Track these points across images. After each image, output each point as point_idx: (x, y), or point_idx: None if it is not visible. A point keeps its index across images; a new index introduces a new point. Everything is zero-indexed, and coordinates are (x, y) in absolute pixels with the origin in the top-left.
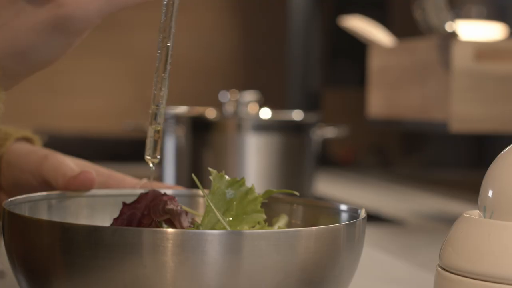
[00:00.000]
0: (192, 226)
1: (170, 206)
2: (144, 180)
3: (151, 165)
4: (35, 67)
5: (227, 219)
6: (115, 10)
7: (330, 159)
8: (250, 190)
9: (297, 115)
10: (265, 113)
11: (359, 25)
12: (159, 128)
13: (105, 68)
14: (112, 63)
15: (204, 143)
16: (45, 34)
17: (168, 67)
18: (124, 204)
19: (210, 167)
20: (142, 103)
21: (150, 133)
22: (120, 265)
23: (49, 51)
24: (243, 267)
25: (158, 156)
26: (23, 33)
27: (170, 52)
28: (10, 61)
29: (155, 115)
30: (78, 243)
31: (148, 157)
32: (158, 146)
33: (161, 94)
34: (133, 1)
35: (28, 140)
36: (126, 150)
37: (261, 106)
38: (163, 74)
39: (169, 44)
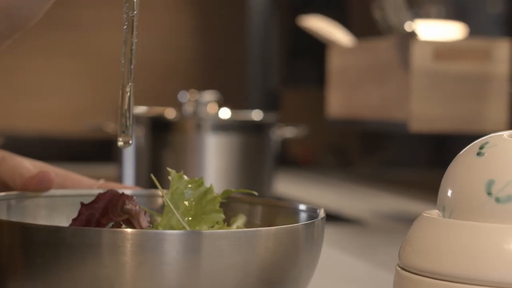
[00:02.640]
0: (151, 226)
1: (129, 206)
2: (102, 181)
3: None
4: (16, 27)
5: (186, 219)
6: None
7: (289, 159)
8: (209, 190)
9: (256, 115)
10: (225, 113)
11: (319, 25)
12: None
13: (65, 68)
14: (72, 63)
15: (163, 143)
16: None
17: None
18: (82, 204)
19: (169, 167)
20: (102, 103)
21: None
22: (80, 266)
23: (29, 5)
24: (203, 267)
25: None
26: None
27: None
28: None
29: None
30: (39, 244)
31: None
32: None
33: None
34: None
35: None
36: (86, 150)
37: (220, 106)
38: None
39: (135, 40)
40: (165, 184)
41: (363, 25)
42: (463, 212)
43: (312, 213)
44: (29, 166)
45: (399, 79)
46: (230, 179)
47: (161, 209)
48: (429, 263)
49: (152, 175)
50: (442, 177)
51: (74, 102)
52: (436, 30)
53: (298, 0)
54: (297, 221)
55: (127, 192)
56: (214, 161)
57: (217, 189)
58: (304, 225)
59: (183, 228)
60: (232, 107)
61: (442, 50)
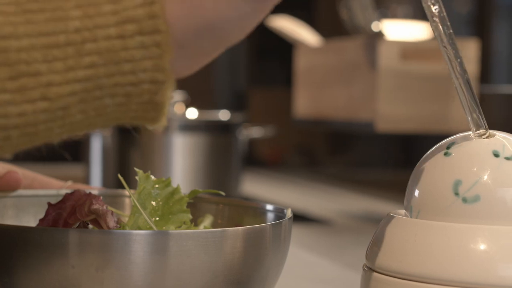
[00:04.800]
0: (118, 226)
1: (96, 206)
2: (69, 183)
3: None
4: (221, 43)
5: (153, 219)
6: None
7: (256, 159)
8: (176, 190)
9: (223, 115)
10: (192, 113)
11: (286, 25)
12: None
13: None
14: None
15: (130, 143)
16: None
17: None
18: (49, 204)
19: (137, 167)
20: None
21: None
22: (47, 265)
23: (238, 21)
24: (170, 267)
25: None
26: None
27: None
28: (193, 35)
29: None
30: (7, 244)
31: None
32: None
33: None
34: None
35: None
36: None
37: (187, 106)
38: None
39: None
40: (132, 184)
41: (330, 25)
42: (430, 212)
43: (279, 213)
44: None
45: (365, 79)
46: (197, 179)
47: (129, 209)
48: (396, 263)
49: (119, 175)
50: (410, 177)
51: None
52: (403, 30)
53: None
54: (264, 221)
55: (94, 192)
56: (181, 161)
57: (184, 189)
58: (271, 225)
59: (150, 228)
60: (199, 107)
61: (409, 50)
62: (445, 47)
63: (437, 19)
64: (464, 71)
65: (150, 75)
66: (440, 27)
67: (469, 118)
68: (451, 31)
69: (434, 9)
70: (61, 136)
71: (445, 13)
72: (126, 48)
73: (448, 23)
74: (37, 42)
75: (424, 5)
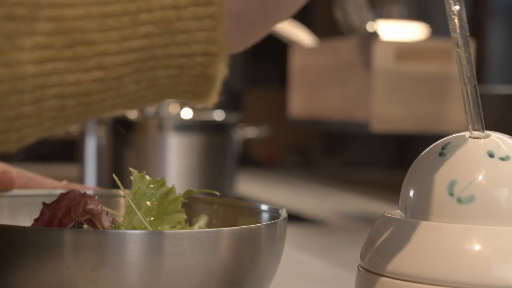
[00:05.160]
0: (113, 226)
1: (91, 206)
2: (64, 182)
3: None
4: (274, 15)
5: (148, 219)
6: None
7: (251, 159)
8: (171, 190)
9: (218, 115)
10: (187, 113)
11: (281, 25)
12: None
13: None
14: None
15: (125, 143)
16: None
17: None
18: (44, 204)
19: (131, 167)
20: None
21: None
22: (42, 265)
23: None
24: (165, 267)
25: None
26: None
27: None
28: (245, 4)
29: None
30: (1, 244)
31: None
32: None
33: None
34: None
35: None
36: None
37: (182, 106)
38: None
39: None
40: (127, 184)
41: (325, 25)
42: (425, 212)
43: (274, 213)
44: None
45: (361, 80)
46: (192, 179)
47: (123, 209)
48: (391, 263)
49: (114, 175)
50: (404, 177)
51: None
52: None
53: None
54: (259, 221)
55: (89, 192)
56: (176, 161)
57: (179, 189)
58: (266, 225)
59: (145, 228)
60: (194, 107)
61: (404, 51)
62: (459, 49)
63: (456, 19)
64: (473, 77)
65: (204, 47)
66: (458, 28)
67: (469, 120)
68: (468, 34)
69: (455, 8)
70: (113, 109)
71: (465, 15)
72: (181, 18)
73: (467, 26)
74: (92, 11)
75: (445, 2)
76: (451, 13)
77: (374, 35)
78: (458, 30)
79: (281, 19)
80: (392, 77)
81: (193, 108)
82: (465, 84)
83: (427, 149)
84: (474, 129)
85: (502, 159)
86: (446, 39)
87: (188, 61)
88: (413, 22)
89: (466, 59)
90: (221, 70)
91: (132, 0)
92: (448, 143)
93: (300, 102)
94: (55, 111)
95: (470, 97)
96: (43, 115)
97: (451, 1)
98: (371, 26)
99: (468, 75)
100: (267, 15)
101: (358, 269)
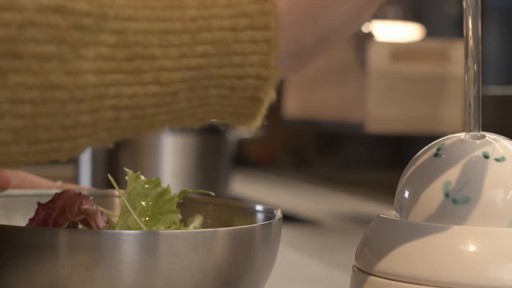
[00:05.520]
0: (108, 226)
1: (86, 206)
2: (59, 182)
3: None
4: (326, 42)
5: (143, 219)
6: None
7: (246, 160)
8: (166, 190)
9: None
10: None
11: None
12: None
13: None
14: None
15: (120, 143)
16: None
17: None
18: (39, 204)
19: (126, 167)
20: None
21: None
22: (37, 265)
23: (343, 14)
24: (160, 267)
25: None
26: None
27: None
28: (299, 30)
29: None
30: None
31: None
32: None
33: None
34: None
35: None
36: None
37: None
38: None
39: None
40: (122, 184)
41: None
42: (420, 213)
43: (269, 213)
44: None
45: (356, 80)
46: (187, 180)
47: (118, 209)
48: (386, 264)
49: (109, 175)
50: (400, 178)
51: None
52: (393, 31)
53: None
54: (254, 221)
55: (84, 192)
56: (171, 162)
57: (174, 190)
58: (261, 225)
59: (140, 228)
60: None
61: (399, 51)
62: (468, 47)
63: (470, 18)
64: (479, 78)
65: (256, 70)
66: (470, 25)
67: (468, 121)
68: (480, 34)
69: (470, 2)
70: (164, 124)
71: (479, 15)
72: (238, 41)
73: (480, 26)
74: (154, 26)
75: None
76: (467, 11)
77: (369, 35)
78: (470, 27)
79: (333, 46)
80: (387, 78)
81: None
82: (468, 84)
83: (423, 150)
84: (471, 130)
85: (497, 160)
86: (441, 40)
87: (240, 83)
88: (408, 22)
89: (473, 59)
90: (270, 95)
91: (193, 19)
92: (444, 144)
93: (295, 102)
94: (111, 122)
95: (472, 98)
96: (99, 125)
97: None
98: (366, 27)
99: (474, 75)
100: (321, 43)
101: (353, 270)
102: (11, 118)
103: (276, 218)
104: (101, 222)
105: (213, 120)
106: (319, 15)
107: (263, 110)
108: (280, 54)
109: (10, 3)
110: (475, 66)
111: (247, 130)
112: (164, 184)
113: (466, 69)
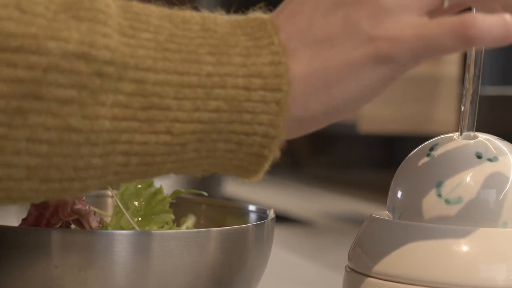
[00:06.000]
0: (101, 226)
1: (78, 206)
2: None
3: None
4: (335, 113)
5: (136, 220)
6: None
7: None
8: (159, 190)
9: None
10: None
11: None
12: None
13: None
14: None
15: None
16: (364, 68)
17: None
18: (32, 204)
19: None
20: None
21: None
22: (30, 265)
23: (358, 89)
24: (153, 267)
25: None
26: (335, 65)
27: None
28: (309, 96)
29: None
30: None
31: None
32: None
33: None
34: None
35: None
36: None
37: None
38: None
39: None
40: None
41: None
42: (413, 213)
43: (262, 213)
44: None
45: None
46: (179, 180)
47: (111, 209)
48: (378, 264)
49: None
50: (392, 178)
51: None
52: None
53: (246, 1)
54: (246, 221)
55: None
56: None
57: (167, 190)
58: (254, 225)
59: (133, 228)
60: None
61: None
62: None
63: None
64: (479, 80)
65: (265, 129)
66: None
67: (462, 122)
68: None
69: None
70: (170, 172)
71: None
72: (249, 99)
73: None
74: (172, 79)
75: None
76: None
77: None
78: None
79: (342, 118)
80: None
81: None
82: (468, 84)
83: (415, 150)
84: (464, 131)
85: (490, 160)
86: None
87: (247, 139)
88: None
89: (474, 59)
90: (275, 153)
91: (209, 75)
92: (436, 144)
93: None
94: (120, 166)
95: (470, 99)
96: (109, 169)
97: None
98: None
99: (475, 76)
100: (330, 113)
101: (346, 270)
102: (27, 156)
103: (269, 218)
104: (94, 222)
105: (217, 171)
106: (333, 86)
107: (266, 167)
108: (288, 117)
109: (37, 46)
110: (475, 66)
111: (248, 181)
112: (157, 184)
113: (467, 69)
